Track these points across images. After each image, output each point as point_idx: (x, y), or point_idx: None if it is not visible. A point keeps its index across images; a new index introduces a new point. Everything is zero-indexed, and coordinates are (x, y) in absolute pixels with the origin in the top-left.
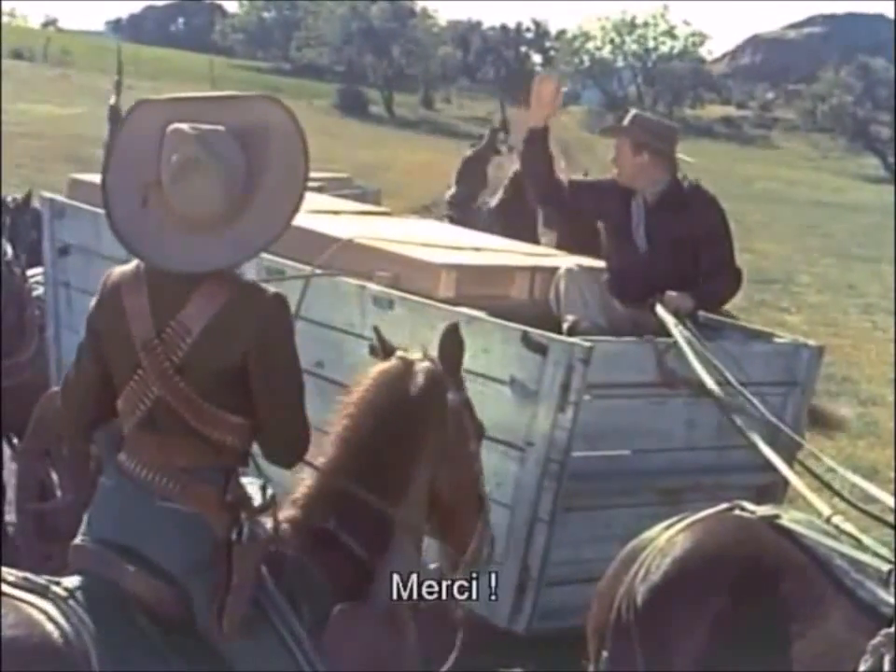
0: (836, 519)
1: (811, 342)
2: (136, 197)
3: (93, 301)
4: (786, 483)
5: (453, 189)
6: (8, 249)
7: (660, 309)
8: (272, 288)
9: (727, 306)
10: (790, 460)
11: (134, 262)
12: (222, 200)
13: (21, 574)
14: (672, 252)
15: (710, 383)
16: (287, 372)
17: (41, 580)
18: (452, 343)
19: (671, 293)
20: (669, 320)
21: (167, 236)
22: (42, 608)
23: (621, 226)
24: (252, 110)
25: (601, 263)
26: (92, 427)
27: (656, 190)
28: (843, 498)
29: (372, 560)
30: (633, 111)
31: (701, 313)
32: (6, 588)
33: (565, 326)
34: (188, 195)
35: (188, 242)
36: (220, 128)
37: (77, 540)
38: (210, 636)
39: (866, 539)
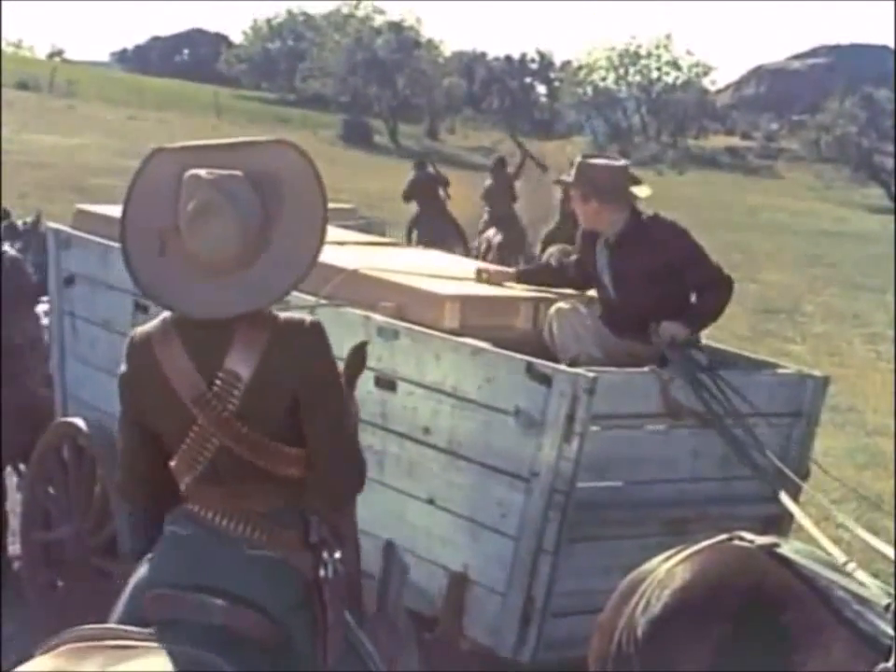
0: (851, 566)
1: (816, 372)
2: (154, 244)
3: (122, 368)
4: (792, 514)
5: (499, 237)
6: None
7: (657, 339)
8: (307, 317)
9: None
10: (795, 492)
11: (158, 319)
12: (239, 243)
13: (122, 627)
14: (642, 288)
15: (713, 415)
16: (335, 404)
17: (145, 630)
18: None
19: (666, 323)
20: (672, 351)
21: (187, 283)
22: (190, 653)
23: (593, 271)
24: (267, 155)
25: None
26: (153, 490)
27: (615, 231)
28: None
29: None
30: (578, 158)
31: (708, 343)
32: (127, 642)
33: (563, 361)
34: (205, 239)
35: (207, 287)
36: (236, 173)
37: (155, 591)
38: (310, 667)
39: (873, 583)
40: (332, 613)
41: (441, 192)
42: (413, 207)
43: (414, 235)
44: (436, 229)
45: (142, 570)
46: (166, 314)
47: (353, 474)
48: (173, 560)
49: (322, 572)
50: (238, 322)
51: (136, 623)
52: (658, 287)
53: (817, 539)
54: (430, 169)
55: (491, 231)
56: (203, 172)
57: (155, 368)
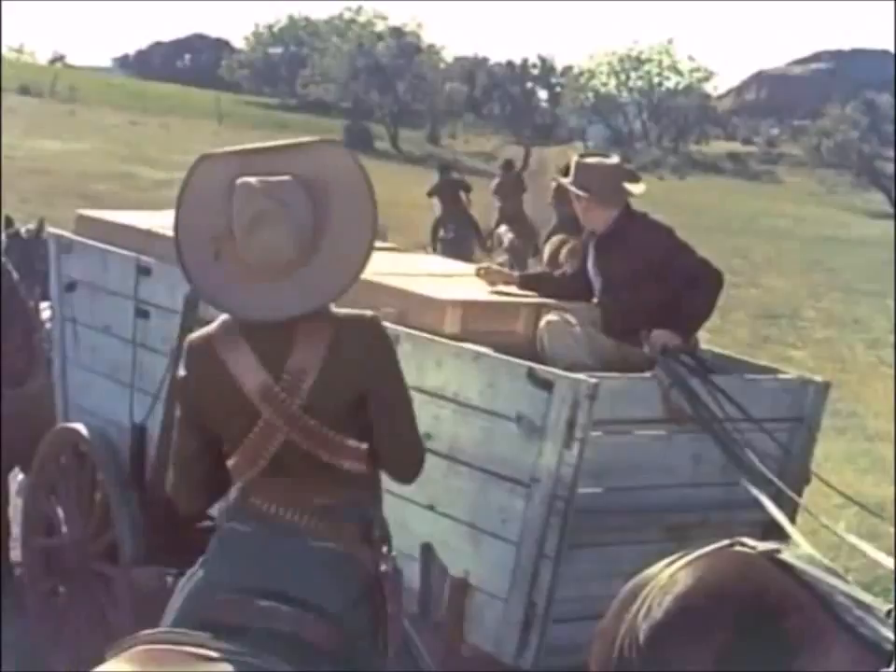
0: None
1: (817, 377)
2: (208, 250)
3: (182, 371)
4: (793, 520)
5: (510, 235)
6: (14, 274)
7: (648, 348)
8: (366, 312)
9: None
10: (795, 498)
11: (216, 323)
12: (293, 248)
13: (194, 633)
14: (625, 288)
15: (707, 422)
16: (401, 394)
17: (209, 636)
18: None
19: (657, 331)
20: (665, 358)
21: (242, 286)
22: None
23: (586, 269)
24: (315, 157)
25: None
26: (207, 494)
27: (604, 229)
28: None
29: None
30: (574, 158)
31: (709, 349)
32: (200, 649)
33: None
34: (260, 246)
35: (262, 290)
36: (287, 178)
37: (222, 596)
38: (370, 666)
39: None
40: (392, 608)
41: (463, 196)
42: (421, 212)
43: (440, 234)
44: (457, 228)
45: (200, 571)
46: (224, 317)
47: (420, 455)
48: (236, 561)
49: (383, 566)
50: (301, 320)
51: (196, 625)
52: (641, 287)
53: (808, 549)
54: (455, 174)
55: (502, 228)
56: (254, 180)
57: (219, 368)
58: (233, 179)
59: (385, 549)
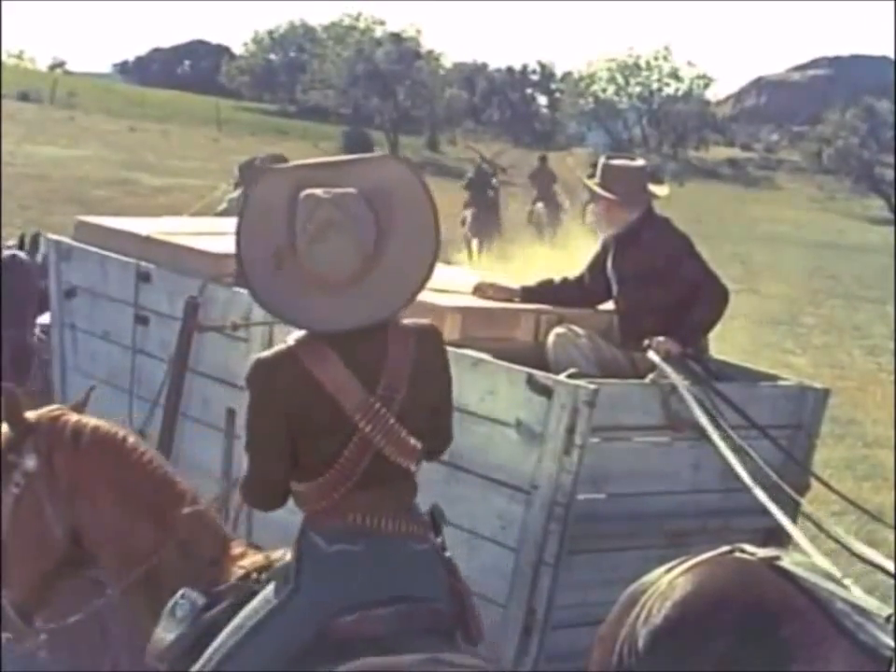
0: (847, 582)
1: (816, 384)
2: (270, 262)
3: (262, 388)
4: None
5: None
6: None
7: (652, 354)
8: (426, 323)
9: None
10: (795, 503)
11: (293, 338)
12: (357, 259)
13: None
14: (636, 288)
15: (708, 427)
16: (451, 390)
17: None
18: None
19: (660, 339)
20: (667, 364)
21: (305, 298)
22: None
23: (604, 269)
24: (376, 171)
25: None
26: (282, 501)
27: (624, 230)
28: (844, 546)
29: None
30: (602, 160)
31: (708, 355)
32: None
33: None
34: (326, 257)
35: (326, 302)
36: (351, 190)
37: (348, 616)
38: (470, 651)
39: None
40: (464, 588)
41: (491, 189)
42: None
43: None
44: (482, 218)
45: (316, 595)
46: (299, 333)
47: (451, 437)
48: (358, 579)
49: (447, 553)
50: (388, 335)
51: (326, 647)
52: (647, 289)
53: (811, 554)
54: (486, 166)
55: (539, 206)
56: (320, 191)
57: (309, 382)
58: (295, 193)
59: (440, 538)
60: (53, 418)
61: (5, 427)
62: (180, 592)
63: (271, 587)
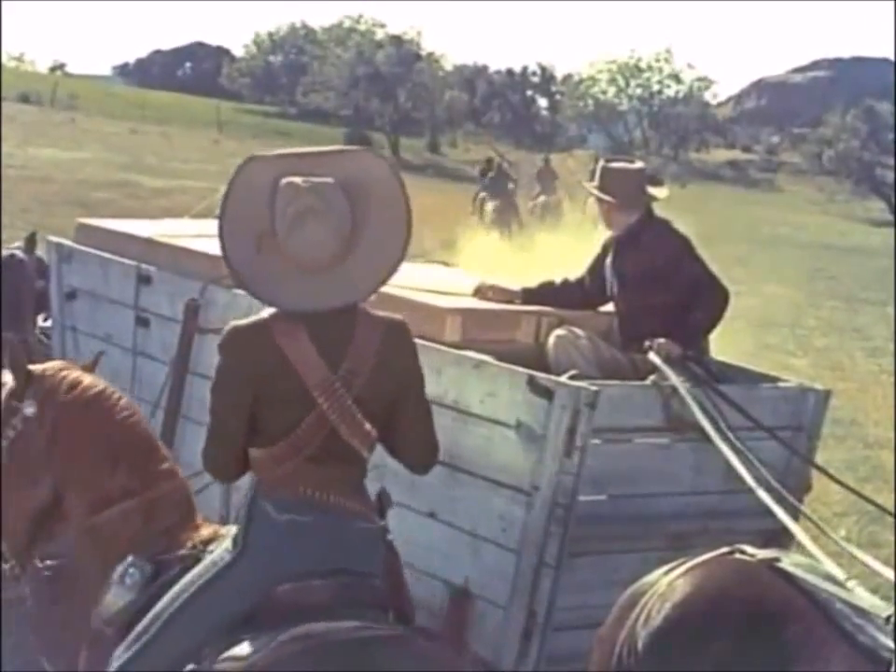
0: (851, 583)
1: (817, 385)
2: (251, 245)
3: (231, 357)
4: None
5: (542, 203)
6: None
7: (653, 356)
8: (398, 317)
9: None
10: (796, 506)
11: (267, 313)
12: (333, 244)
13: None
14: (636, 290)
15: (709, 429)
16: (424, 391)
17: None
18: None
19: (660, 341)
20: (668, 366)
21: (283, 279)
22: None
23: (604, 271)
24: (354, 163)
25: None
26: (241, 470)
27: (623, 232)
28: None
29: None
30: (600, 163)
31: (711, 357)
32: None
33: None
34: (303, 241)
35: (302, 284)
36: (329, 180)
37: (297, 581)
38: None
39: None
40: (400, 570)
41: (511, 182)
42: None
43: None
44: (503, 208)
45: (263, 560)
46: (271, 310)
47: (436, 447)
48: (304, 548)
49: (389, 536)
50: (357, 319)
51: (270, 610)
52: (647, 291)
53: (815, 555)
54: (505, 164)
55: (541, 199)
56: (299, 180)
57: (277, 355)
58: (277, 180)
59: (384, 522)
60: (56, 370)
61: (9, 375)
62: (129, 559)
63: (219, 551)
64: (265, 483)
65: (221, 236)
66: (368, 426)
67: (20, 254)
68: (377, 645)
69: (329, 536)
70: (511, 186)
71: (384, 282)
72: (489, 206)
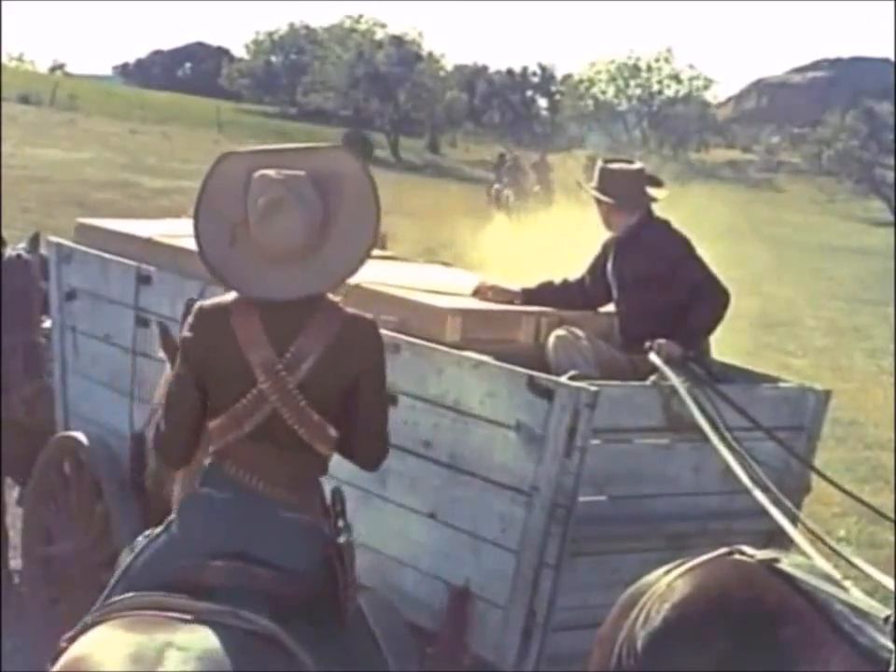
0: (846, 584)
1: (817, 386)
2: (225, 236)
3: (188, 332)
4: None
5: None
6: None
7: (653, 356)
8: (368, 316)
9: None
10: (796, 506)
11: (233, 295)
12: (303, 235)
13: (175, 596)
14: (637, 292)
15: (708, 429)
16: (384, 392)
17: (206, 604)
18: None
19: (661, 341)
20: (668, 367)
21: (254, 269)
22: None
23: (604, 272)
24: (326, 159)
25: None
26: (191, 449)
27: (623, 233)
28: (840, 555)
29: None
30: (599, 164)
31: (711, 358)
32: (181, 614)
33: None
34: (273, 232)
35: (274, 274)
36: (301, 173)
37: (197, 558)
38: (332, 626)
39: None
40: (349, 574)
41: (522, 174)
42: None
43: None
44: (519, 193)
45: (170, 533)
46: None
47: (387, 447)
48: (211, 525)
49: (341, 538)
50: (314, 308)
51: (170, 585)
52: (648, 292)
53: (811, 555)
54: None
55: (537, 188)
56: (271, 172)
57: (229, 335)
58: (250, 174)
59: (341, 522)
60: None
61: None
62: None
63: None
64: (210, 457)
65: (196, 228)
66: (317, 416)
67: (24, 254)
68: (188, 631)
69: (240, 517)
70: (522, 176)
71: (351, 274)
72: (505, 194)
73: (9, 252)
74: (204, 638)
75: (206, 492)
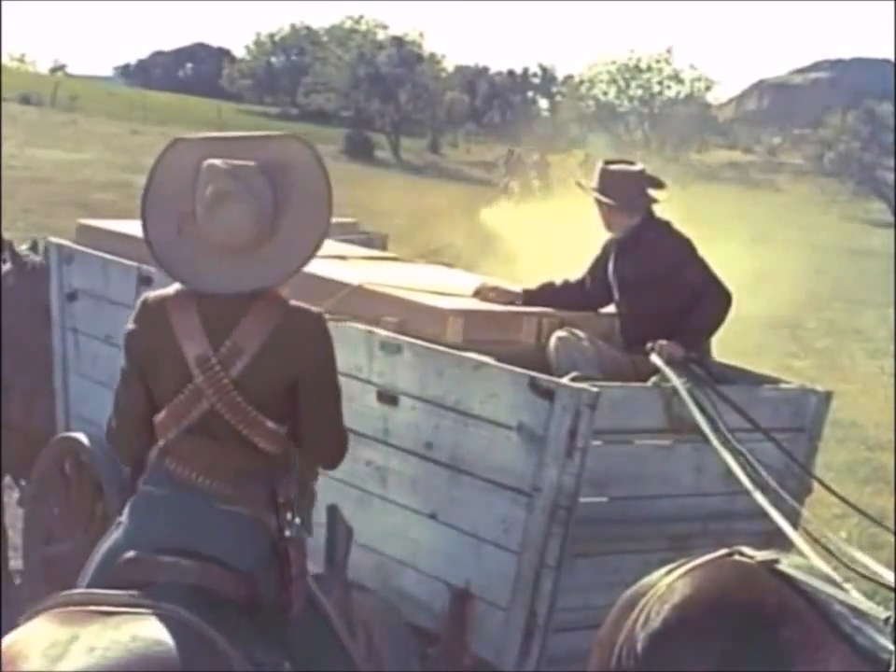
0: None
1: (818, 387)
2: (173, 227)
3: (131, 325)
4: (794, 530)
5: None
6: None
7: (655, 357)
8: (314, 309)
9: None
10: (796, 508)
11: (173, 287)
12: (252, 227)
13: (106, 592)
14: (639, 293)
15: (708, 430)
16: (332, 386)
17: (125, 594)
18: None
19: (662, 342)
20: (670, 368)
21: (202, 261)
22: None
23: (605, 273)
24: (279, 148)
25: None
26: (142, 443)
27: (624, 234)
28: (840, 560)
29: None
30: (599, 165)
31: (712, 359)
32: (113, 607)
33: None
34: (221, 224)
35: (221, 266)
36: (250, 163)
37: (131, 554)
38: (277, 620)
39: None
40: (296, 569)
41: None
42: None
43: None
44: (526, 183)
45: (116, 533)
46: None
47: (342, 443)
48: (148, 523)
49: (287, 532)
50: (254, 300)
51: (108, 584)
52: (649, 293)
53: (811, 557)
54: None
55: (536, 184)
56: (219, 162)
57: (166, 327)
58: (199, 163)
59: (289, 515)
60: None
61: None
62: None
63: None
64: (156, 453)
65: (143, 217)
66: (254, 412)
67: (42, 261)
68: (100, 623)
69: (177, 513)
70: (528, 169)
71: (301, 267)
72: (511, 186)
73: (35, 258)
74: (115, 628)
75: (147, 490)
